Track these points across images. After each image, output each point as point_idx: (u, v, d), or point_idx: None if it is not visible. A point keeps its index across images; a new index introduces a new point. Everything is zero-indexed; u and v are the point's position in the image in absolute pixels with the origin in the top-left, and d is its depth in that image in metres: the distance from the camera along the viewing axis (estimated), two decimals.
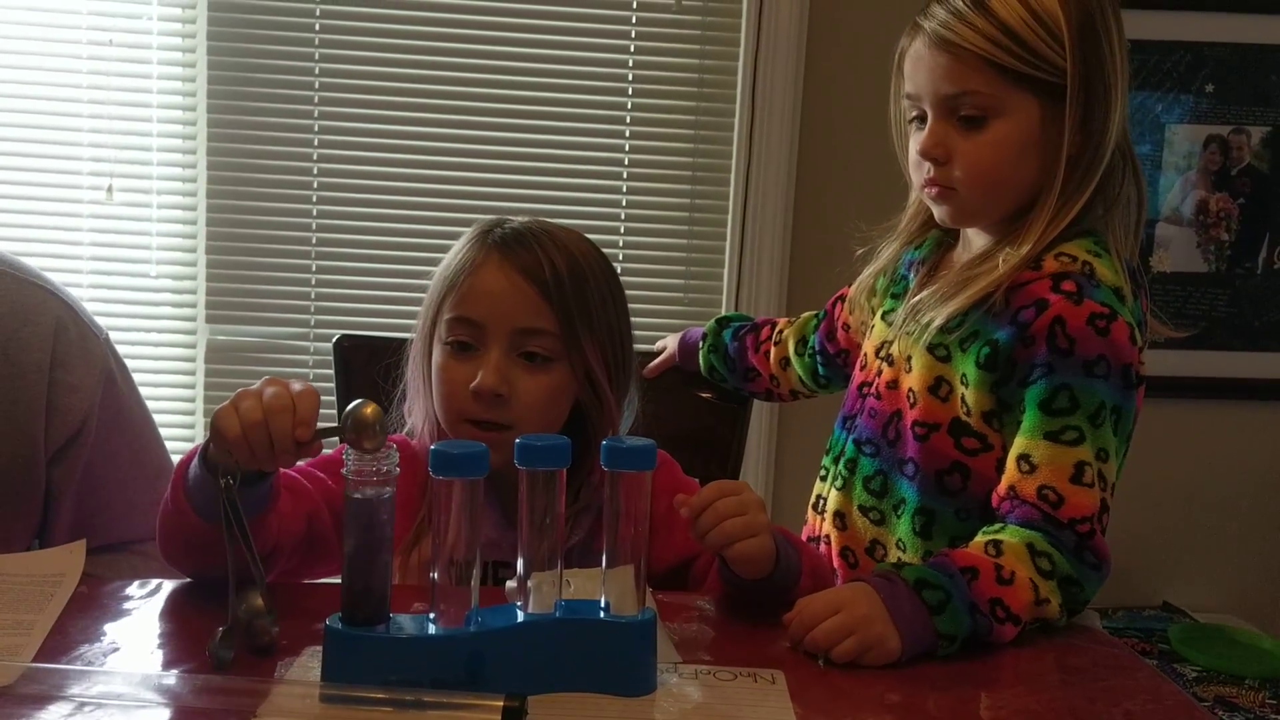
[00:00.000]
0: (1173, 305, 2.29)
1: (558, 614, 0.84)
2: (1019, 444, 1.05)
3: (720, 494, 0.94)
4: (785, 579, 0.98)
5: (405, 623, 0.82)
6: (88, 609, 0.94)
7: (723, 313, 2.23)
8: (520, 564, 0.83)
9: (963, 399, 1.10)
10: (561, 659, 0.83)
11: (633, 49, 2.22)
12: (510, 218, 1.16)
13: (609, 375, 1.13)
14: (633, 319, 2.20)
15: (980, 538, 1.03)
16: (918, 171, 1.14)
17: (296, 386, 0.86)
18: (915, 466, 1.13)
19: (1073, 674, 0.94)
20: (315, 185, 2.23)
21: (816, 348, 1.41)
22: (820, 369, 1.42)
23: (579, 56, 2.22)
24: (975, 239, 1.17)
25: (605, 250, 2.17)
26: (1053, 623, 1.00)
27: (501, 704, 0.76)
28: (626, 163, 2.24)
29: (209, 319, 2.26)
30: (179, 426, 2.26)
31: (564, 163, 2.23)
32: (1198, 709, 0.90)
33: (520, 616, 0.83)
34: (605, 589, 0.84)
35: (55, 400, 1.15)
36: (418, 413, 1.15)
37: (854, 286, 1.30)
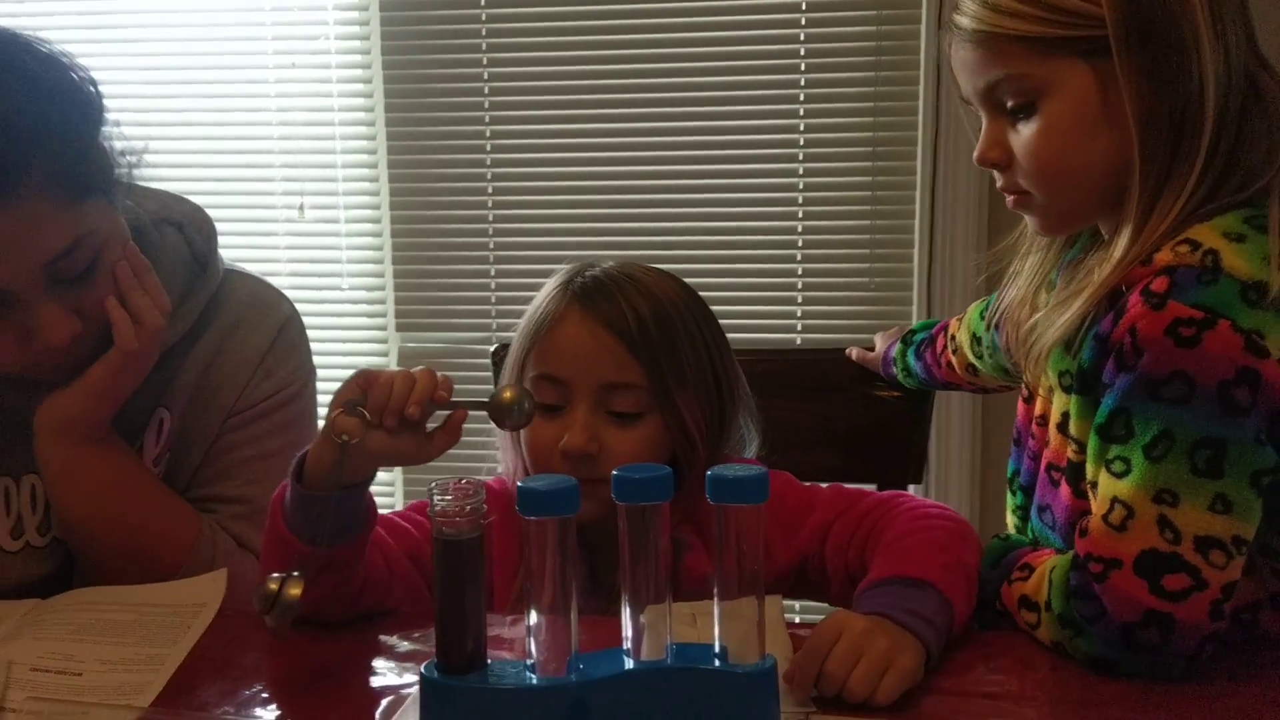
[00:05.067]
0: None
1: (668, 660, 0.77)
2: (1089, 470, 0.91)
3: (823, 653, 0.83)
4: (943, 647, 0.88)
5: (504, 670, 0.77)
6: (219, 639, 0.95)
7: (913, 303, 2.10)
8: (625, 603, 0.77)
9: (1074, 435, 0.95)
10: (673, 710, 0.76)
11: (804, 22, 2.11)
12: (595, 263, 1.10)
13: (705, 423, 1.06)
14: (815, 307, 2.13)
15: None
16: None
17: None
18: (1053, 516, 0.99)
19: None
20: (490, 190, 2.24)
21: (993, 344, 1.23)
22: (1009, 367, 1.22)
23: (749, 36, 2.12)
24: (1107, 229, 0.99)
25: (781, 236, 2.12)
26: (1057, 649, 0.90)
27: None
28: (802, 143, 2.13)
29: (399, 327, 2.31)
30: None
31: (737, 148, 2.15)
32: None
33: (628, 664, 0.77)
34: (721, 631, 0.77)
35: (256, 384, 1.17)
36: (508, 460, 1.11)
37: (1000, 315, 1.12)
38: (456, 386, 2.47)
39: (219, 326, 1.17)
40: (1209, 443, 0.84)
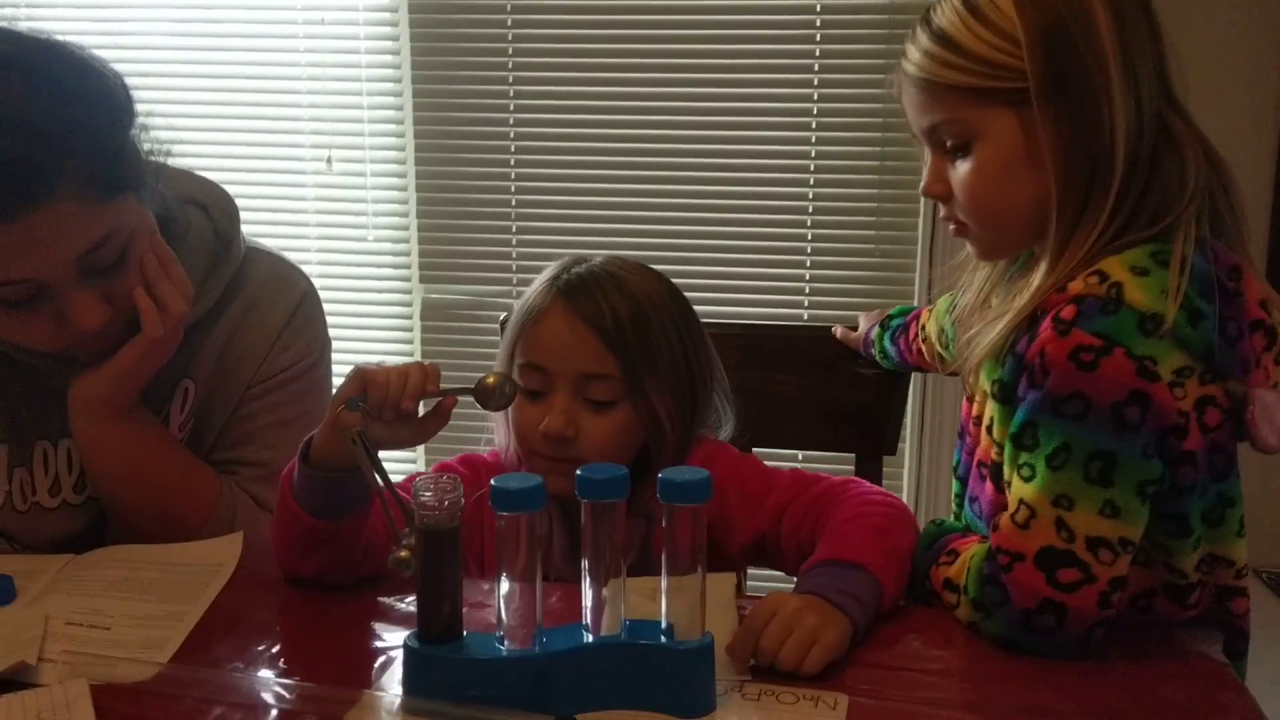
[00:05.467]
0: None
1: (621, 635, 0.87)
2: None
3: (759, 629, 0.92)
4: (870, 623, 0.98)
5: (477, 641, 0.88)
6: (233, 598, 1.06)
7: (915, 281, 2.17)
8: (587, 585, 0.87)
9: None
10: (623, 679, 0.86)
11: (819, 23, 2.16)
12: (584, 259, 1.18)
13: (675, 412, 1.15)
14: (822, 284, 2.20)
15: None
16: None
17: None
18: (980, 507, 1.07)
19: (1165, 709, 0.89)
20: (513, 148, 2.31)
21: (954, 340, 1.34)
22: None
23: (765, 5, 2.18)
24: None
25: (792, 203, 2.19)
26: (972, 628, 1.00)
27: None
28: (815, 112, 2.19)
29: (422, 279, 2.41)
30: None
31: (753, 114, 2.21)
32: None
33: (586, 638, 0.87)
34: (668, 609, 0.87)
35: (274, 357, 1.26)
36: (501, 436, 1.21)
37: (956, 319, 1.18)
38: (476, 338, 2.60)
39: (240, 302, 1.26)
40: (1101, 456, 0.92)
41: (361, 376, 0.99)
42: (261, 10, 2.36)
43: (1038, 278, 1.00)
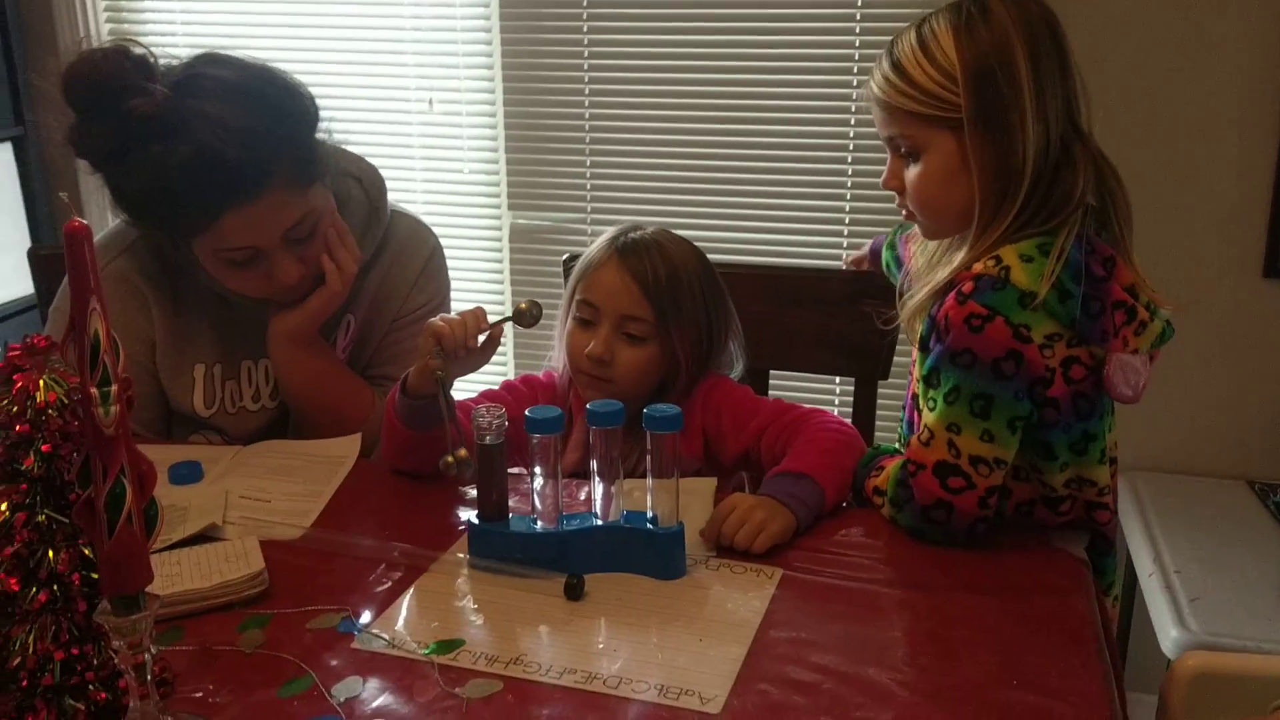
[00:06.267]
0: None
1: (621, 521, 1.23)
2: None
3: (722, 520, 1.26)
4: (813, 519, 1.31)
5: (519, 521, 1.25)
6: (353, 483, 1.45)
7: None
8: (596, 484, 1.23)
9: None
10: (621, 551, 1.23)
11: (860, 3, 2.39)
12: (639, 227, 1.51)
13: (691, 354, 1.48)
14: (863, 214, 2.50)
15: None
16: None
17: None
18: (913, 429, 1.37)
19: (1018, 587, 1.21)
20: (587, 91, 2.61)
21: None
22: None
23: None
24: None
25: (832, 154, 2.46)
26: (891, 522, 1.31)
27: (565, 579, 1.18)
28: (855, 72, 2.42)
29: (510, 206, 2.75)
30: (491, 293, 2.81)
31: (797, 62, 2.45)
32: (1096, 661, 1.06)
33: (595, 521, 1.24)
34: (652, 504, 1.23)
35: (412, 298, 1.64)
36: (558, 357, 1.56)
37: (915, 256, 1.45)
38: (554, 258, 2.98)
39: (387, 256, 1.65)
40: (982, 396, 1.23)
41: (432, 332, 1.34)
42: None
43: (959, 258, 1.30)
